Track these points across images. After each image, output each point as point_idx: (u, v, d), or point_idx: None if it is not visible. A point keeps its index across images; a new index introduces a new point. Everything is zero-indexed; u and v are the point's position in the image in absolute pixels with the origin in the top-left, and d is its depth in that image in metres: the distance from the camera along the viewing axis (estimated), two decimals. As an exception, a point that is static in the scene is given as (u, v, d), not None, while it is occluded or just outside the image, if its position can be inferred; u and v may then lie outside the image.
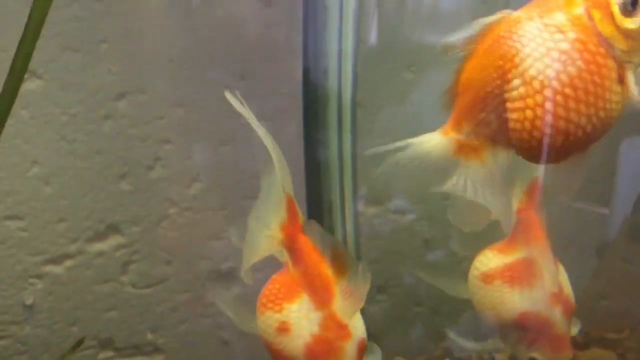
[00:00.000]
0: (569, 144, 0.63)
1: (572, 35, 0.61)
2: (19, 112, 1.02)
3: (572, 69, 0.61)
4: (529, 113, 0.62)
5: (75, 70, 1.03)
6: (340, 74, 1.00)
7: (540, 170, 0.87)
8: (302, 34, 1.01)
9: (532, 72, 0.61)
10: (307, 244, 0.76)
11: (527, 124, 0.62)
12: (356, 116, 1.02)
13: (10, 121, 1.00)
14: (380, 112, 1.21)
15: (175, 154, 1.14)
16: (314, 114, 1.02)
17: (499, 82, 0.63)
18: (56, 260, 1.11)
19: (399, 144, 0.67)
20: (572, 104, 0.61)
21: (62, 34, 1.01)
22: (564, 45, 0.61)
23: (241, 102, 0.77)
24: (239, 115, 1.15)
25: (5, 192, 1.06)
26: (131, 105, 1.09)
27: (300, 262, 0.75)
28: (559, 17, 0.62)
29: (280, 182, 0.74)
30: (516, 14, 0.63)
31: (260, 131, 0.76)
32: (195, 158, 1.16)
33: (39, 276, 1.10)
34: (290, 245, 0.75)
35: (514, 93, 0.62)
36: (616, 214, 1.25)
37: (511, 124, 0.63)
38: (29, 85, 1.02)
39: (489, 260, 0.90)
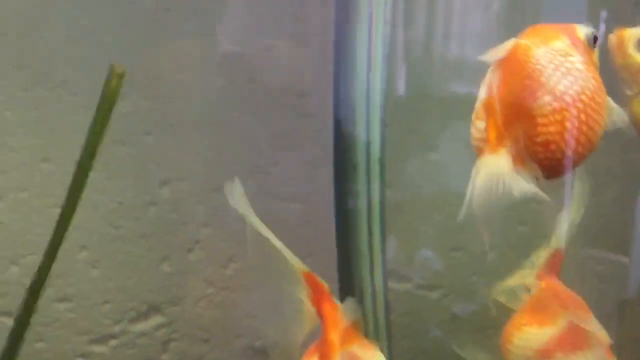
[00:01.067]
0: (583, 156, 0.71)
1: (579, 57, 0.71)
2: (70, 201, 1.11)
3: (590, 86, 0.70)
4: (568, 124, 0.69)
5: (122, 161, 1.13)
6: (368, 123, 1.03)
7: (561, 242, 0.91)
8: (332, 84, 1.05)
9: (561, 87, 0.69)
10: (334, 311, 0.78)
11: (566, 135, 0.68)
12: (385, 165, 1.06)
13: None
14: (409, 161, 1.26)
15: (213, 237, 1.22)
16: (344, 163, 1.05)
17: (529, 99, 0.69)
18: (101, 340, 1.16)
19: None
20: (593, 117, 0.70)
21: (110, 129, 1.10)
22: (580, 66, 0.70)
23: (240, 197, 0.82)
24: (271, 198, 1.24)
25: (55, 276, 1.13)
26: (173, 192, 1.17)
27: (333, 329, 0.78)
28: (560, 44, 0.71)
29: (291, 263, 0.79)
30: (523, 42, 0.71)
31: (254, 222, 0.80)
32: (231, 240, 1.23)
33: (84, 355, 1.16)
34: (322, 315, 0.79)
35: (547, 108, 0.68)
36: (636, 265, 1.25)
37: (544, 137, 0.69)
38: (80, 176, 1.11)
39: (536, 335, 0.87)
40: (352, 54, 1.01)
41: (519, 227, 1.44)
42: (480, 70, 0.73)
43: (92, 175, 1.11)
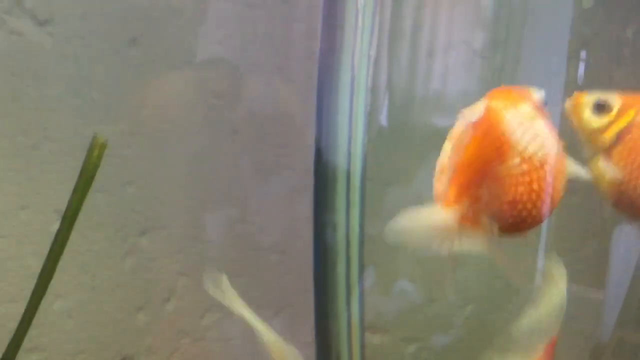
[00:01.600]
0: (546, 214, 0.74)
1: (542, 121, 0.74)
2: (45, 250, 1.09)
3: (555, 149, 0.73)
4: (535, 186, 0.71)
5: (101, 210, 1.12)
6: (349, 153, 1.05)
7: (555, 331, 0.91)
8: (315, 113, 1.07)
9: (529, 150, 0.72)
10: None
11: (533, 195, 0.71)
12: (365, 196, 1.07)
13: (36, 258, 1.09)
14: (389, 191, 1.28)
15: (189, 287, 1.20)
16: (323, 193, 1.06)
17: (497, 161, 0.72)
18: (73, 392, 1.14)
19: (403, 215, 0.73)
20: (557, 179, 0.73)
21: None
22: (545, 130, 0.73)
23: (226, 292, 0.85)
24: (251, 249, 1.24)
25: (31, 326, 1.11)
26: (151, 241, 1.16)
27: None
28: (526, 108, 0.74)
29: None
30: (494, 104, 0.73)
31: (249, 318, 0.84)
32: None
33: (55, 408, 1.13)
34: None
35: (517, 170, 0.71)
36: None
37: (512, 197, 0.72)
38: (55, 225, 1.09)
39: None
40: (335, 83, 1.03)
41: (495, 280, 1.46)
42: (461, 103, 0.75)
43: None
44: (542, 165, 0.72)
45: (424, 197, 1.28)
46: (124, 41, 1.07)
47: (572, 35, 1.26)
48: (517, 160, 0.71)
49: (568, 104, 0.88)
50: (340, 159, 1.05)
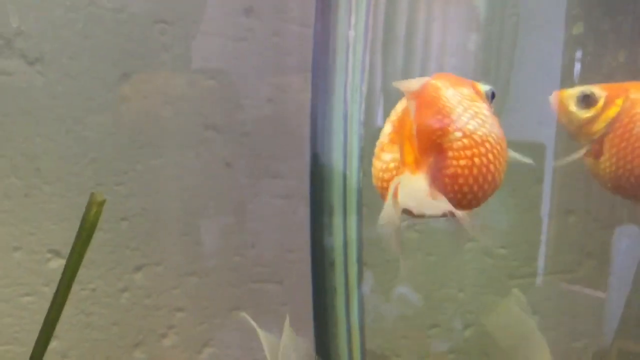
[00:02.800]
0: (487, 194, 0.73)
1: (483, 104, 0.75)
2: (41, 289, 1.09)
3: (496, 131, 0.73)
4: (476, 160, 0.71)
5: (96, 247, 1.11)
6: (345, 158, 1.04)
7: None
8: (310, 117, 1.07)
9: (470, 127, 0.72)
10: None
11: (474, 170, 0.71)
12: (362, 200, 1.06)
13: (32, 298, 1.08)
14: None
15: (187, 322, 1.19)
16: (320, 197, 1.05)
17: (439, 132, 0.71)
18: None
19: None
20: (498, 160, 0.73)
21: (85, 215, 1.09)
22: (486, 112, 0.74)
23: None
24: (248, 282, 1.23)
25: (25, 368, 1.09)
26: (147, 277, 1.15)
27: None
28: (466, 91, 0.75)
29: None
30: (433, 81, 0.74)
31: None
32: (205, 324, 1.21)
33: None
34: None
35: (458, 143, 0.71)
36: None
37: (454, 170, 0.71)
38: (52, 265, 1.08)
39: None
40: (331, 85, 1.03)
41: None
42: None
43: (63, 263, 1.10)
44: (482, 143, 0.72)
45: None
46: (114, 78, 1.07)
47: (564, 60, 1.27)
48: (458, 134, 0.71)
49: (552, 100, 0.90)
50: (336, 161, 1.04)
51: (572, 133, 0.91)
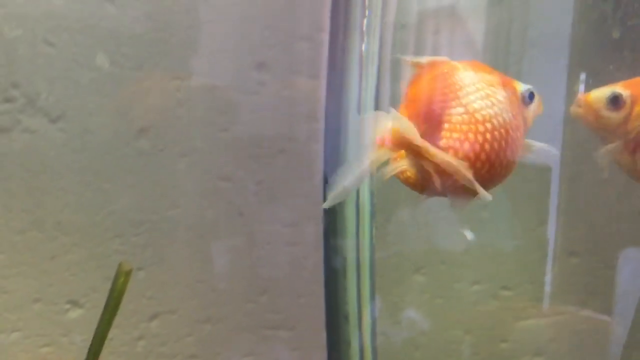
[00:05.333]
0: (485, 175, 0.72)
1: (504, 94, 0.75)
2: (59, 340, 1.11)
3: (506, 117, 0.73)
4: (471, 136, 0.71)
5: (113, 297, 1.14)
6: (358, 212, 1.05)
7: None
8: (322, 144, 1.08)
9: (475, 105, 0.72)
10: None
11: (466, 145, 0.71)
12: (374, 223, 1.07)
13: (51, 348, 1.10)
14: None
15: (201, 368, 1.21)
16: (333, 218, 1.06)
17: (441, 105, 0.72)
18: None
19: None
20: (500, 143, 0.72)
21: (103, 266, 1.12)
22: (500, 98, 0.74)
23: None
24: (260, 328, 1.25)
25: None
26: (163, 325, 1.18)
27: None
28: (490, 78, 0.75)
29: None
30: (453, 62, 0.75)
31: None
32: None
33: None
34: None
35: (457, 117, 0.72)
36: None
37: (446, 142, 0.72)
38: (71, 315, 1.11)
39: None
40: (345, 98, 1.03)
41: (501, 344, 1.47)
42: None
43: (83, 313, 1.12)
44: (483, 122, 0.71)
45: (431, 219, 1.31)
46: (132, 133, 1.11)
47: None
48: (460, 109, 0.71)
49: (575, 109, 0.88)
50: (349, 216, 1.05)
51: (605, 136, 0.88)
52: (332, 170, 1.11)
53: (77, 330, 1.11)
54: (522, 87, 0.78)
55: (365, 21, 1.05)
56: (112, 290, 0.80)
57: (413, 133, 0.70)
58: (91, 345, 0.83)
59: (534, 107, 0.79)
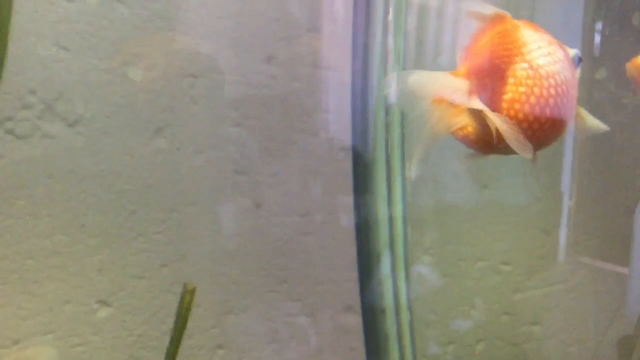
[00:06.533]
0: (541, 131, 0.73)
1: (562, 52, 0.76)
2: (91, 339, 1.13)
3: (567, 74, 0.75)
4: (536, 90, 0.72)
5: (140, 295, 1.16)
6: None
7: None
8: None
9: (539, 62, 0.74)
10: None
11: (532, 99, 0.72)
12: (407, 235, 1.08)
13: (83, 348, 1.12)
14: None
15: (228, 358, 1.24)
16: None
17: (506, 60, 0.73)
18: None
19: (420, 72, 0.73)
20: (561, 100, 0.74)
21: (128, 265, 1.14)
22: (561, 57, 0.76)
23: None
24: (281, 316, 1.28)
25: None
26: (189, 319, 1.20)
27: None
28: (550, 38, 0.76)
29: None
30: (516, 21, 0.76)
31: None
32: (246, 359, 1.27)
33: None
34: None
35: (522, 72, 0.73)
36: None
37: (512, 95, 0.72)
38: (101, 314, 1.13)
39: None
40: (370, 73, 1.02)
41: (503, 315, 1.52)
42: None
43: (112, 312, 1.15)
44: (547, 77, 0.73)
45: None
46: (149, 133, 1.13)
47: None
48: (524, 64, 0.72)
49: (630, 68, 0.90)
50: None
51: None
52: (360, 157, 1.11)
53: (107, 328, 1.14)
54: (572, 52, 0.80)
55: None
56: (179, 309, 0.84)
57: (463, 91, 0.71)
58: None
59: (579, 71, 0.81)
